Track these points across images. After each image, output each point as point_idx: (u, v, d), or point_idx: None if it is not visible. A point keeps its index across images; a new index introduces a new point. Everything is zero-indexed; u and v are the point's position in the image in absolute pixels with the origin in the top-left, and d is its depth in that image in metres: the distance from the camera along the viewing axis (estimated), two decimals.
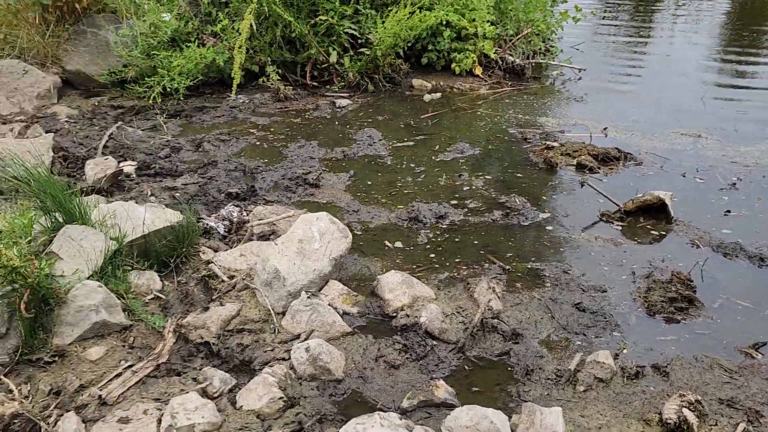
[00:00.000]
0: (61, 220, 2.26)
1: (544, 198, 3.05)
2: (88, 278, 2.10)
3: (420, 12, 4.65)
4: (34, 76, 4.33)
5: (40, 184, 2.24)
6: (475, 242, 2.67)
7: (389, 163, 3.50)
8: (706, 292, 2.27)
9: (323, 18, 4.57)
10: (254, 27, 4.41)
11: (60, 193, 2.23)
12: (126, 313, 2.10)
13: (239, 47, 4.29)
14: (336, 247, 2.26)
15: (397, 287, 2.22)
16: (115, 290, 2.12)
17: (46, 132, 3.90)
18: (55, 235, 2.20)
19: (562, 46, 5.84)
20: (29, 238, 2.13)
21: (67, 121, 4.11)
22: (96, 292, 2.02)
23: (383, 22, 4.73)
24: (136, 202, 2.82)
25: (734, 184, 3.10)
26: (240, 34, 4.33)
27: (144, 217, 2.36)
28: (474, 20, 5.03)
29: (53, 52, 4.51)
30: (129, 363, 1.94)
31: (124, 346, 2.00)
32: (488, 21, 5.02)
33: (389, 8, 5.00)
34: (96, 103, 4.40)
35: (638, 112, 4.20)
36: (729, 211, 2.84)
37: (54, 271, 2.07)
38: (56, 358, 1.93)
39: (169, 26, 4.53)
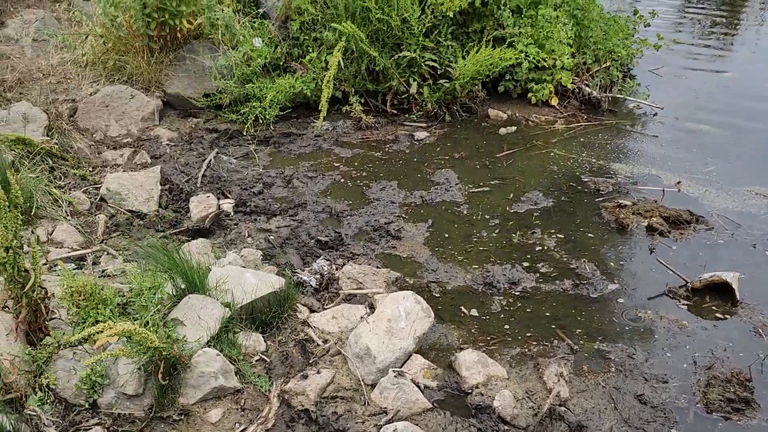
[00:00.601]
0: (183, 286, 2.61)
1: (614, 265, 3.21)
2: (206, 343, 2.44)
3: (500, 49, 4.77)
4: (139, 100, 4.72)
5: (170, 260, 2.57)
6: (547, 314, 2.88)
7: (465, 212, 3.72)
8: (765, 390, 2.41)
9: (406, 54, 4.76)
10: (341, 63, 4.64)
11: (187, 268, 2.56)
12: (237, 376, 2.44)
13: (327, 82, 4.55)
14: (420, 326, 2.53)
15: (473, 366, 2.47)
16: (228, 355, 2.46)
17: (151, 157, 4.30)
18: (178, 302, 2.55)
19: (640, 68, 5.83)
20: (158, 305, 2.48)
21: (168, 145, 4.49)
22: (215, 360, 2.36)
23: (464, 56, 4.89)
24: (238, 252, 3.17)
25: None
26: (328, 69, 4.58)
27: (252, 283, 2.68)
28: (553, 50, 5.10)
29: (156, 77, 4.88)
30: (243, 426, 2.28)
31: (237, 408, 2.34)
32: (567, 54, 5.08)
33: (471, 39, 5.15)
34: (193, 126, 4.77)
35: (715, 160, 4.24)
36: None
37: (177, 335, 2.42)
38: (182, 417, 2.29)
39: (261, 54, 4.82)
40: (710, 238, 3.41)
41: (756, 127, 4.73)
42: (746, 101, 5.19)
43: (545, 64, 5.10)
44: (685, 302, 2.93)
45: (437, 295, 3.01)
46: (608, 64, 5.32)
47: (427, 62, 4.92)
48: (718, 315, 2.84)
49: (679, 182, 3.98)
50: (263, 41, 4.93)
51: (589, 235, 3.48)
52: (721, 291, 2.95)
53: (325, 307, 2.87)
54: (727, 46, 6.62)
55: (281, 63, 5.06)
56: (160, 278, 2.62)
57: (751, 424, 2.29)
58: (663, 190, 3.87)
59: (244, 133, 4.62)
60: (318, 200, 3.81)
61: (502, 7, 5.05)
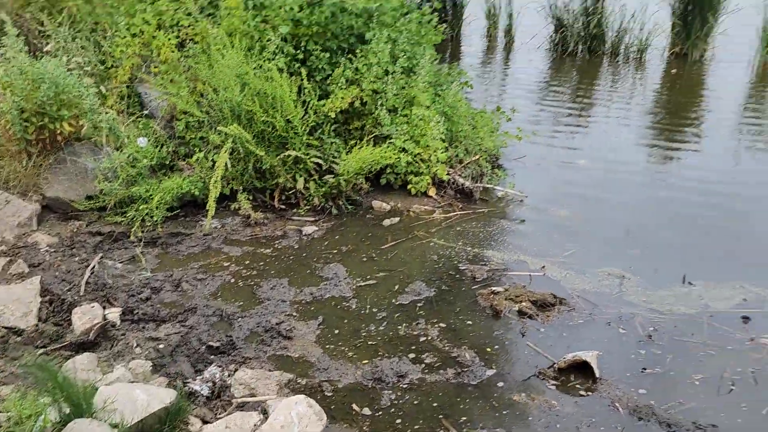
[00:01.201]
0: (67, 411, 2.55)
1: (491, 351, 3.49)
2: None
3: (381, 148, 5.15)
4: (15, 205, 4.60)
5: (53, 382, 2.52)
6: (433, 404, 3.07)
7: (354, 307, 3.90)
8: None
9: (291, 153, 5.00)
10: (228, 164, 4.79)
11: (71, 389, 2.52)
12: None
13: (215, 182, 4.66)
14: (313, 431, 2.63)
15: None
16: None
17: (29, 266, 4.16)
18: (63, 428, 2.49)
19: (507, 158, 6.44)
20: None
21: (47, 251, 4.37)
22: None
23: (348, 152, 5.21)
24: (127, 365, 3.13)
25: (650, 335, 3.61)
26: (216, 169, 4.71)
27: (142, 399, 2.67)
28: (428, 146, 5.55)
29: (34, 181, 4.78)
30: None
31: None
32: (441, 148, 5.55)
33: (353, 136, 5.51)
34: (75, 229, 4.68)
35: (573, 244, 4.73)
36: (645, 369, 3.33)
37: None
38: None
39: (146, 154, 4.87)
40: (572, 319, 3.80)
41: (606, 211, 5.35)
42: (597, 188, 5.86)
43: (422, 157, 5.53)
44: (554, 382, 3.23)
45: (329, 394, 3.12)
46: (478, 156, 5.85)
47: (312, 159, 5.18)
48: (581, 392, 3.16)
49: (543, 267, 4.41)
50: (149, 141, 5.00)
51: (468, 322, 3.76)
52: (583, 369, 3.29)
53: (218, 416, 2.89)
54: (580, 136, 7.46)
55: (168, 162, 5.13)
56: (42, 403, 2.55)
57: None
58: (530, 275, 4.28)
59: (130, 236, 4.60)
60: (208, 303, 3.85)
61: (379, 108, 5.47)
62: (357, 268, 4.36)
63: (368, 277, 4.26)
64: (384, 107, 5.50)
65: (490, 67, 11.64)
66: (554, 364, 3.34)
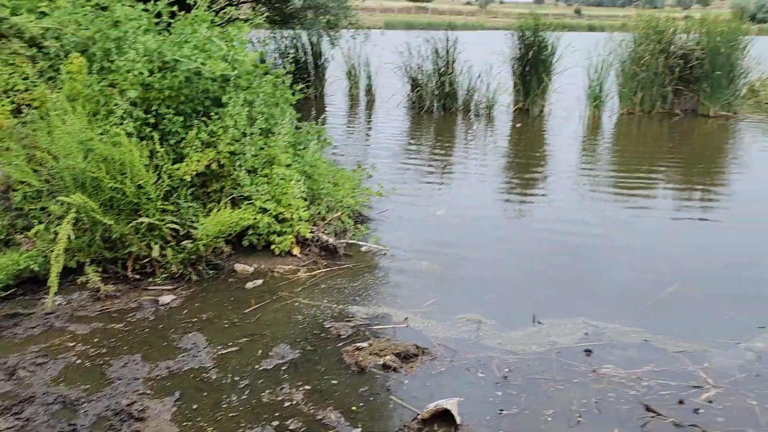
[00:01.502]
0: None
1: (356, 409, 3.47)
2: None
3: (240, 209, 5.08)
4: None
5: None
6: None
7: (214, 377, 3.74)
8: None
9: (144, 220, 4.79)
10: (72, 235, 4.49)
11: None
12: None
13: (57, 256, 4.34)
14: None
15: None
16: None
17: None
18: None
19: (371, 213, 6.60)
20: None
21: None
22: None
23: (206, 215, 5.08)
24: None
25: (506, 377, 3.78)
26: (58, 242, 4.39)
27: None
28: (290, 204, 5.55)
29: None
30: None
31: None
32: (303, 207, 5.58)
33: (211, 199, 5.39)
34: None
35: (434, 294, 4.89)
36: (502, 410, 3.47)
37: None
38: None
39: None
40: (434, 368, 3.89)
41: (464, 260, 5.61)
42: (455, 238, 6.16)
43: (285, 216, 5.52)
44: None
45: None
46: (340, 213, 5.94)
47: (168, 225, 4.99)
48: None
49: (406, 318, 4.51)
50: None
51: (333, 382, 3.73)
52: (446, 417, 3.36)
53: None
54: (439, 190, 7.84)
55: (3, 236, 4.72)
56: None
57: None
58: (394, 328, 4.35)
59: None
60: (49, 390, 3.51)
61: (238, 169, 5.43)
62: (218, 336, 4.20)
63: (230, 344, 4.12)
64: (243, 168, 5.46)
65: (354, 126, 12.02)
66: (417, 415, 3.39)
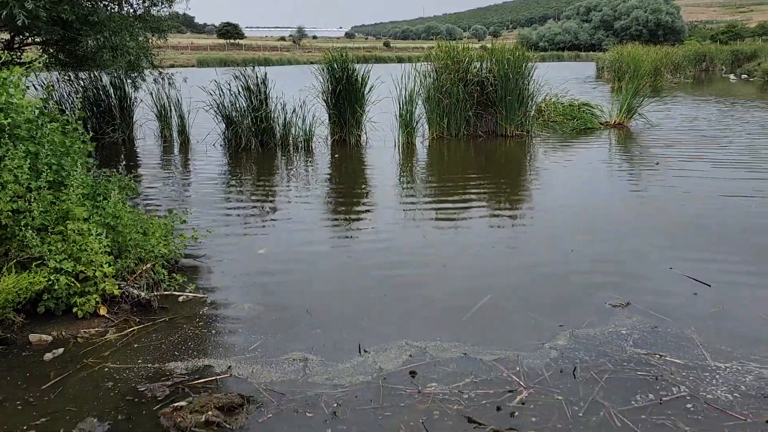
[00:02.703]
0: None
1: None
2: None
3: (28, 273, 4.53)
4: None
5: None
6: None
7: None
8: None
9: None
10: None
11: None
12: None
13: None
14: None
15: None
16: None
17: None
18: None
19: (187, 259, 6.27)
20: None
21: None
22: None
23: None
24: None
25: (335, 412, 3.73)
26: None
27: None
28: (92, 261, 5.07)
29: None
30: None
31: None
32: (107, 262, 5.12)
33: None
34: None
35: (257, 337, 4.73)
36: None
37: None
38: None
39: None
40: (261, 415, 3.73)
41: (288, 297, 5.51)
42: (279, 275, 6.04)
43: (86, 275, 5.02)
44: None
45: None
46: (150, 264, 5.55)
47: None
48: None
49: (230, 367, 4.29)
50: None
51: None
52: None
53: None
54: (262, 228, 7.68)
55: None
56: None
57: None
58: (216, 379, 4.12)
59: None
60: None
61: (24, 228, 4.86)
62: (8, 422, 3.67)
63: (24, 428, 3.61)
64: (30, 227, 4.89)
65: (169, 170, 11.46)
66: None
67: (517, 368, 4.20)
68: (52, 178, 5.20)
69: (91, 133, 6.09)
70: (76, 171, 5.33)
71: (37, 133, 5.29)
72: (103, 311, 5.10)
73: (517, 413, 3.68)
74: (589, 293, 5.39)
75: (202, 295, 5.48)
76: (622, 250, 6.47)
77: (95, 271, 5.03)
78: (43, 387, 4.06)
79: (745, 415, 3.57)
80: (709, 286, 5.47)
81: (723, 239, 6.70)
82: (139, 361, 4.41)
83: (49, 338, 4.71)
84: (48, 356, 4.46)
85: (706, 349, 4.35)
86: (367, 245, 6.89)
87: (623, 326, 4.75)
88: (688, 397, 3.78)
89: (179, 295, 5.50)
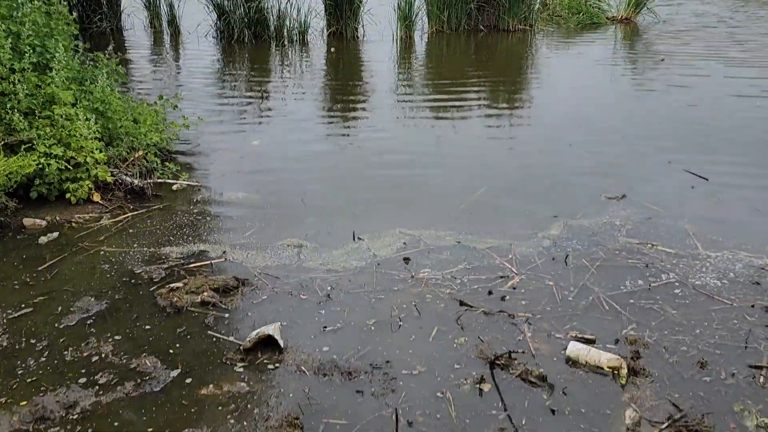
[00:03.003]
0: None
1: (174, 351, 3.28)
2: None
3: (17, 156, 4.45)
4: None
5: None
6: (115, 424, 2.76)
7: (5, 344, 3.32)
8: (312, 421, 2.78)
9: None
10: None
11: None
12: None
13: None
14: None
15: None
16: None
17: None
18: None
19: (180, 149, 6.19)
20: None
21: None
22: None
23: None
24: None
25: (329, 295, 3.79)
26: None
27: None
28: (82, 147, 4.99)
29: None
30: None
31: None
32: (97, 148, 5.04)
33: None
34: None
35: (253, 224, 4.73)
36: (326, 327, 3.48)
37: None
38: None
39: None
40: (256, 297, 3.79)
41: (283, 186, 5.47)
42: (274, 166, 5.98)
43: (78, 161, 4.95)
44: (241, 365, 3.17)
45: None
46: (142, 152, 5.47)
47: None
48: (269, 367, 3.16)
49: (224, 252, 4.32)
50: None
51: (147, 327, 3.49)
52: (270, 343, 3.29)
53: None
54: (256, 119, 7.53)
55: None
56: None
57: None
58: (211, 263, 4.15)
59: None
60: None
61: (11, 111, 4.73)
62: (7, 298, 3.73)
63: (22, 305, 3.68)
64: (17, 110, 4.77)
65: (161, 60, 11.09)
66: (240, 346, 3.29)
67: (510, 256, 4.23)
68: (36, 60, 5.01)
69: (77, 23, 5.81)
70: (59, 53, 5.12)
71: (17, 12, 5.03)
72: (96, 198, 5.08)
73: (508, 297, 3.75)
74: (584, 186, 5.36)
75: (196, 184, 5.44)
76: (621, 146, 6.39)
77: (86, 157, 4.96)
78: (40, 268, 4.09)
79: (732, 300, 3.63)
80: (707, 180, 5.44)
81: (726, 138, 6.60)
82: (135, 245, 4.43)
83: (43, 222, 4.71)
84: (43, 239, 4.47)
85: (698, 239, 4.37)
86: (364, 140, 6.77)
87: (617, 217, 4.76)
88: (677, 284, 3.83)
89: (173, 184, 5.45)
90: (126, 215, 4.90)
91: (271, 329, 3.30)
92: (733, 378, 3.01)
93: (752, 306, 3.57)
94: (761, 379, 2.98)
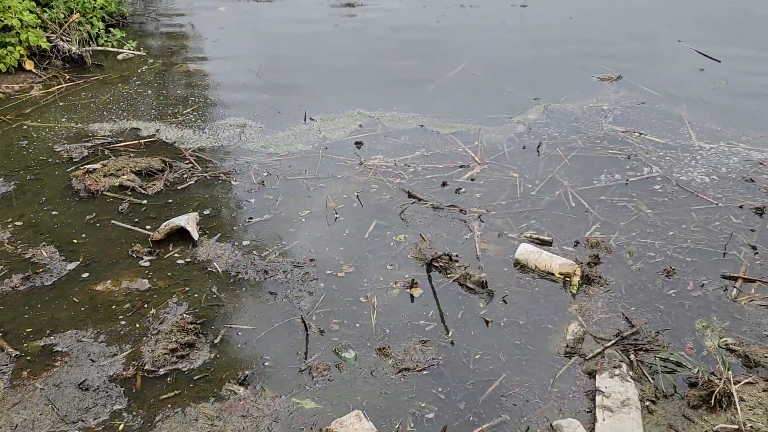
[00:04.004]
0: None
1: (78, 241, 2.94)
2: None
3: None
4: None
5: None
6: None
7: None
8: (212, 326, 2.47)
9: None
10: None
11: None
12: None
13: None
14: None
15: None
16: None
17: None
18: None
19: (130, 14, 5.58)
20: None
21: None
22: None
23: None
24: None
25: (263, 182, 3.38)
26: None
27: None
28: (9, 8, 4.42)
29: None
30: None
31: None
32: (27, 9, 4.47)
33: None
34: None
35: (196, 99, 4.26)
36: (251, 218, 3.10)
37: None
38: None
39: None
40: (182, 182, 3.39)
41: (237, 59, 4.92)
42: (230, 34, 5.37)
43: (5, 24, 4.41)
44: (149, 258, 2.83)
45: None
46: (78, 15, 4.87)
47: None
48: (179, 262, 2.82)
49: (158, 130, 3.88)
50: None
51: (54, 213, 3.13)
52: (183, 235, 2.93)
53: None
54: None
55: None
56: None
57: (197, 366, 2.30)
58: (141, 143, 3.73)
59: None
60: None
61: None
62: None
63: None
64: None
65: None
66: (149, 237, 2.93)
67: (476, 143, 3.75)
68: None
69: None
70: None
71: None
72: (29, 66, 4.58)
73: (463, 189, 3.31)
74: (577, 66, 4.75)
75: (143, 53, 4.89)
76: (630, 21, 5.65)
77: (13, 19, 4.40)
78: None
79: (717, 199, 3.17)
80: (719, 62, 4.78)
81: (746, 23, 5.79)
82: (63, 119, 3.99)
83: None
84: None
85: (693, 128, 3.84)
86: (334, 4, 6.06)
87: (607, 101, 4.20)
88: (659, 179, 3.36)
89: (118, 53, 4.91)
90: (60, 86, 4.43)
91: (185, 220, 2.92)
92: (701, 290, 2.62)
93: (740, 207, 3.11)
94: (733, 292, 2.59)
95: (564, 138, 3.77)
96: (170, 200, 3.24)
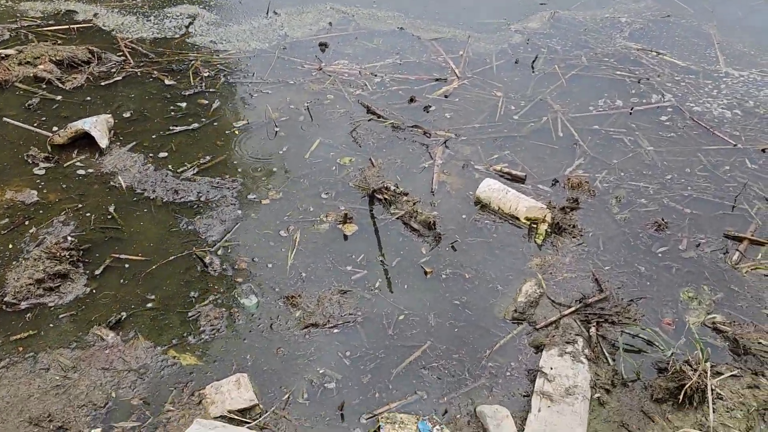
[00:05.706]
0: None
1: None
2: None
3: None
4: None
5: None
6: None
7: None
8: (98, 250, 2.07)
9: None
10: None
11: None
12: None
13: None
14: None
15: None
16: None
17: None
18: None
19: None
20: None
21: None
22: None
23: None
24: None
25: (201, 83, 2.89)
26: None
27: None
28: None
29: None
30: None
31: None
32: None
33: None
34: None
35: None
36: (176, 126, 2.63)
37: None
38: None
39: None
40: (108, 77, 2.92)
41: None
42: None
43: None
44: (45, 165, 2.41)
45: None
46: None
47: None
48: (80, 172, 2.39)
49: (96, 15, 3.37)
50: None
51: None
52: (89, 141, 2.49)
53: None
54: None
55: None
56: None
57: (68, 301, 1.92)
58: (72, 29, 3.22)
59: None
60: None
61: None
62: None
63: None
64: None
65: None
66: (48, 140, 2.50)
67: (461, 52, 3.18)
68: None
69: None
70: None
71: None
72: None
73: (433, 107, 2.80)
74: None
75: None
76: None
77: None
78: None
79: (736, 139, 2.62)
80: None
81: None
82: None
83: None
84: None
85: (722, 51, 3.21)
86: None
87: (626, 12, 3.55)
88: (669, 109, 2.80)
89: None
90: None
91: (91, 123, 2.47)
92: (696, 250, 2.14)
93: (762, 150, 2.56)
94: (735, 256, 2.11)
95: (566, 53, 3.19)
96: (89, 98, 2.78)
